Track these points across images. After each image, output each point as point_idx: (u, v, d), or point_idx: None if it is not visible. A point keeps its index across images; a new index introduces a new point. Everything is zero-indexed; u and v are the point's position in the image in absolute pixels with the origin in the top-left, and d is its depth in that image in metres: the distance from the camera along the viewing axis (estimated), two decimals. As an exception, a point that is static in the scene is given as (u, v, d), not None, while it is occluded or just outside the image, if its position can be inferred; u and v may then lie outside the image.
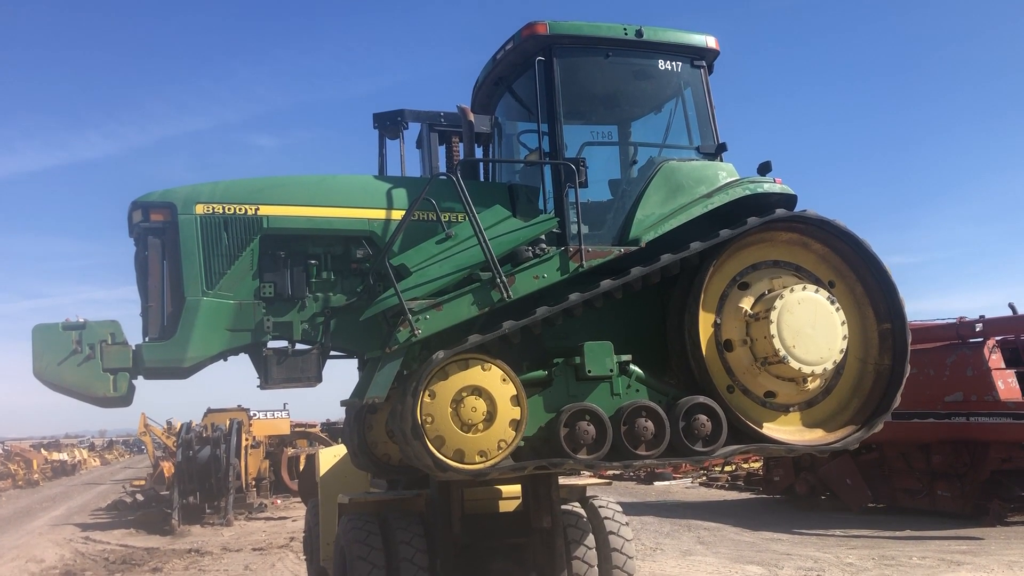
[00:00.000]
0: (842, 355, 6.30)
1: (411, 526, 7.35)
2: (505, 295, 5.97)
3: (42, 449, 52.07)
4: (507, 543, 7.61)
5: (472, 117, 6.99)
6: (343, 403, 6.71)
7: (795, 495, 18.64)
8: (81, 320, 6.03)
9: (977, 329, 14.93)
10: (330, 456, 10.06)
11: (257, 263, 6.30)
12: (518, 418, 5.80)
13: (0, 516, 25.67)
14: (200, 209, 6.22)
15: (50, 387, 5.96)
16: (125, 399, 6.09)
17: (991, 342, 14.73)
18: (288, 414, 27.87)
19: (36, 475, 42.53)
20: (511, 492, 7.84)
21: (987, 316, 15.20)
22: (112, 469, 55.39)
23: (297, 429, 29.15)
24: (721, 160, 6.94)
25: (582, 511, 8.28)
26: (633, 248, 6.32)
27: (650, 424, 5.97)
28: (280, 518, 21.39)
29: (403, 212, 6.39)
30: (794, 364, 6.08)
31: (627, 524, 8.26)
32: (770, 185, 6.64)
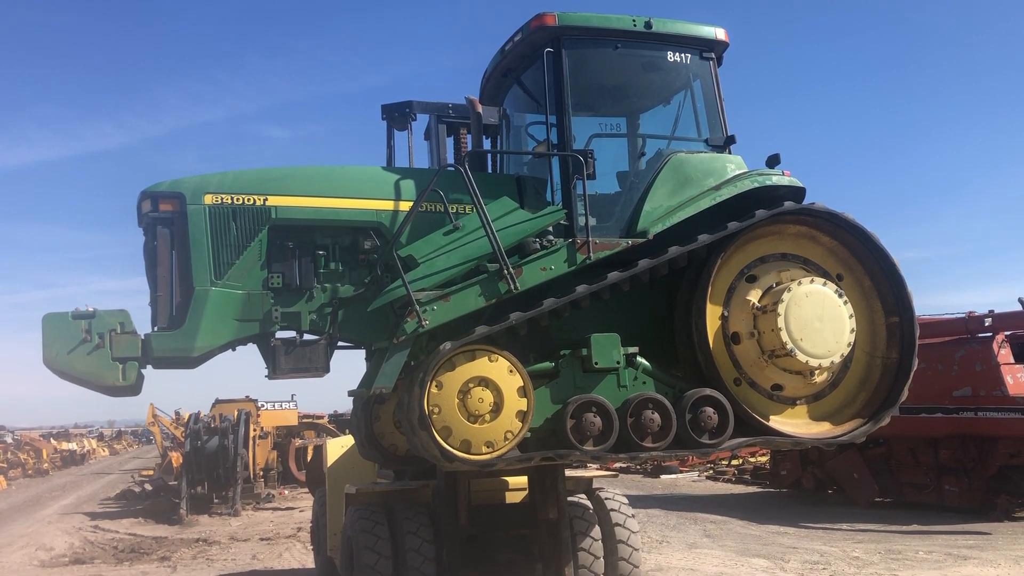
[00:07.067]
0: (849, 348, 6.28)
1: (418, 516, 7.39)
2: (512, 287, 5.98)
3: (51, 439, 52.35)
4: (513, 534, 7.64)
5: (480, 108, 6.99)
6: (350, 393, 6.73)
7: (802, 489, 18.63)
8: (91, 309, 6.06)
9: (986, 324, 14.88)
10: (337, 447, 10.09)
11: (265, 253, 6.32)
12: (525, 409, 5.81)
13: (10, 504, 25.84)
14: (209, 199, 6.25)
15: (60, 376, 6.00)
16: (134, 388, 6.13)
17: (1000, 337, 14.68)
18: (296, 405, 27.94)
19: (46, 464, 42.76)
20: (517, 483, 7.86)
21: (997, 311, 15.14)
22: (121, 459, 55.64)
23: (305, 420, 29.24)
24: (730, 152, 6.93)
25: (588, 503, 8.29)
26: (641, 240, 6.32)
27: (656, 416, 5.98)
28: (287, 508, 21.48)
29: (411, 203, 6.40)
30: (801, 357, 6.07)
31: (633, 516, 8.28)
32: (778, 178, 6.63)
